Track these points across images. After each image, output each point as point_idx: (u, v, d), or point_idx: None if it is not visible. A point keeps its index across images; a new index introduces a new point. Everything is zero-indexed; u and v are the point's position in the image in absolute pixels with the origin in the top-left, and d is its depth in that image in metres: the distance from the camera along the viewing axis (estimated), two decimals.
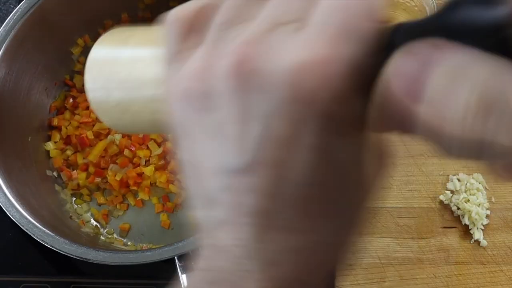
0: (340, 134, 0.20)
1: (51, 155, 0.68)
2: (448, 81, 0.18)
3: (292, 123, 0.20)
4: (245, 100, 0.20)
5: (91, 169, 0.67)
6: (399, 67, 0.19)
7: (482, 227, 0.63)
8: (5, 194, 0.56)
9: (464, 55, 0.18)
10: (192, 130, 0.23)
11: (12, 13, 0.61)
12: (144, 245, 0.65)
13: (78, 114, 0.70)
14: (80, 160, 0.68)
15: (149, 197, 0.67)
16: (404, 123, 0.19)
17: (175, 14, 0.25)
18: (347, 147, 0.21)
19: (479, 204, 0.64)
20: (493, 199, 0.65)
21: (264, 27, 0.21)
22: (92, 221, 0.67)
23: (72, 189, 0.68)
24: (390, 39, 0.20)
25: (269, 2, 0.22)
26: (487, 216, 0.64)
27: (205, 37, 0.23)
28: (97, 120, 0.69)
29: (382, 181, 0.24)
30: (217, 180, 0.22)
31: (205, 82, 0.22)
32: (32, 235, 0.54)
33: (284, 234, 0.22)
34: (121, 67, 0.28)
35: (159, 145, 0.68)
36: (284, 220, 0.22)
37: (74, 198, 0.68)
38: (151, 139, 0.68)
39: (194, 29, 0.24)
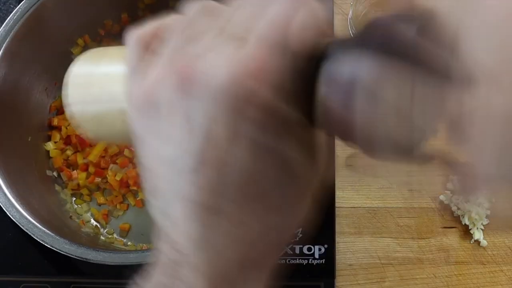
0: (272, 136, 0.23)
1: (51, 155, 0.68)
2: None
3: (227, 127, 0.23)
4: (186, 108, 0.23)
5: (91, 169, 0.67)
6: (328, 96, 0.23)
7: (482, 227, 0.63)
8: (5, 194, 0.56)
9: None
10: (146, 136, 0.26)
11: (12, 13, 0.61)
12: (144, 245, 0.65)
13: None
14: (80, 160, 0.68)
15: None
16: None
17: (134, 34, 0.28)
18: (279, 146, 0.24)
19: (479, 204, 0.64)
20: (493, 199, 0.65)
21: (206, 48, 0.24)
22: (92, 221, 0.67)
23: (72, 189, 0.68)
24: (323, 52, 0.23)
25: (216, 20, 0.25)
26: (487, 216, 0.64)
27: (158, 54, 0.26)
28: None
29: (324, 179, 0.27)
30: (167, 180, 0.25)
31: (154, 94, 0.25)
32: (32, 235, 0.54)
33: (227, 226, 0.24)
34: (95, 83, 0.32)
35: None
36: (228, 214, 0.24)
37: (74, 198, 0.68)
38: None
39: (150, 47, 0.27)
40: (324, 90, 0.23)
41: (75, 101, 0.33)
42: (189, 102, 0.23)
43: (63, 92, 0.33)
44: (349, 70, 0.22)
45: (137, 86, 0.26)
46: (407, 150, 0.22)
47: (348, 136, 0.23)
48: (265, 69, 0.22)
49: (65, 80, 0.33)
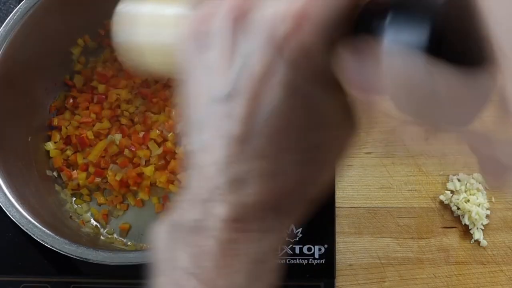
0: (305, 80, 0.24)
1: (51, 155, 0.68)
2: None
3: (266, 62, 0.24)
4: (234, 41, 0.25)
5: (91, 169, 0.67)
6: (346, 65, 0.24)
7: (482, 227, 0.63)
8: (5, 194, 0.56)
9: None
10: (193, 65, 0.27)
11: (12, 13, 0.61)
12: (144, 245, 0.65)
13: (78, 114, 0.70)
14: (80, 160, 0.68)
15: (149, 197, 0.67)
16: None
17: None
18: (311, 91, 0.25)
19: (479, 204, 0.64)
20: (493, 199, 0.65)
21: None
22: (92, 221, 0.67)
23: (72, 189, 0.68)
24: (360, 11, 0.24)
25: None
26: (487, 216, 0.64)
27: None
28: (97, 120, 0.69)
29: (354, 138, 0.28)
30: (205, 107, 0.26)
31: (207, 24, 0.26)
32: (32, 235, 0.54)
33: (253, 157, 0.25)
34: (144, 17, 0.35)
35: (159, 145, 0.68)
36: (255, 145, 0.25)
37: (74, 198, 0.68)
38: (151, 139, 0.68)
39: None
40: (346, 75, 0.24)
41: (122, 33, 0.37)
42: (239, 32, 0.25)
43: (112, 29, 0.37)
44: (408, 38, 0.22)
45: (192, 18, 0.27)
46: (461, 124, 0.23)
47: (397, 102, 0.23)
48: (309, 10, 0.23)
49: (115, 14, 0.37)
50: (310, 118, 0.25)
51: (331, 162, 0.28)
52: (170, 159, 0.67)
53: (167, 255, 0.28)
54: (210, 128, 0.26)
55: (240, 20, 0.25)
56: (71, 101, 0.71)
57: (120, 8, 0.37)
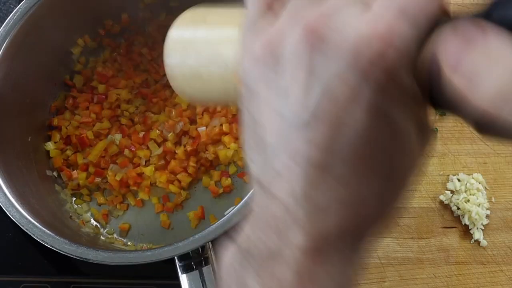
0: (392, 101, 0.23)
1: (51, 155, 0.68)
2: (483, 61, 0.21)
3: (350, 87, 0.23)
4: (311, 65, 0.24)
5: (91, 169, 0.67)
6: (444, 40, 0.22)
7: (482, 227, 0.63)
8: (5, 194, 0.56)
9: (503, 41, 0.21)
10: (259, 92, 0.26)
11: (12, 13, 0.61)
12: (144, 245, 0.65)
13: (78, 114, 0.70)
14: (80, 160, 0.68)
15: (149, 197, 0.67)
16: (441, 90, 0.23)
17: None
18: (396, 114, 0.24)
19: (479, 204, 0.64)
20: (493, 199, 0.65)
21: (334, 7, 0.24)
22: (92, 221, 0.67)
23: (72, 189, 0.68)
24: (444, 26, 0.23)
25: None
26: (487, 216, 0.64)
27: (281, 11, 0.26)
28: (97, 120, 0.69)
29: (426, 154, 0.27)
30: (279, 134, 0.25)
31: (277, 48, 0.25)
32: (32, 235, 0.54)
33: (334, 186, 0.24)
34: (199, 41, 0.33)
35: (159, 145, 0.68)
36: (335, 172, 0.24)
37: (74, 198, 0.68)
38: (151, 139, 0.68)
39: (272, 6, 0.27)
40: (439, 52, 0.23)
41: (174, 59, 0.34)
42: (315, 57, 0.23)
43: (164, 52, 0.34)
44: None
45: (256, 39, 0.26)
46: None
47: (469, 114, 0.22)
48: (394, 32, 0.22)
49: (167, 40, 0.34)
50: (393, 140, 0.24)
51: (408, 182, 0.27)
52: (170, 159, 0.67)
53: (235, 285, 0.27)
54: (285, 155, 0.25)
55: (317, 43, 0.23)
56: (71, 101, 0.71)
57: (174, 30, 0.35)
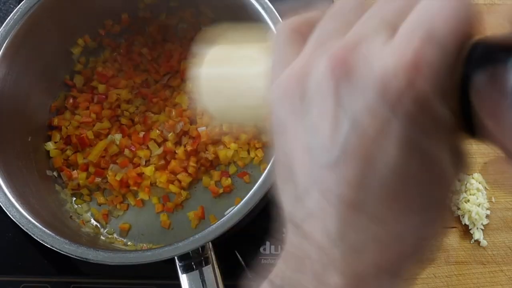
0: (424, 132, 0.22)
1: (51, 155, 0.68)
2: None
3: (379, 120, 0.22)
4: (338, 99, 0.23)
5: (91, 169, 0.67)
6: (483, 94, 0.22)
7: (482, 227, 0.63)
8: (5, 194, 0.56)
9: None
10: (288, 127, 0.25)
11: (12, 13, 0.61)
12: (144, 245, 0.65)
13: (78, 114, 0.70)
14: (80, 160, 0.68)
15: (149, 197, 0.67)
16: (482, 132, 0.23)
17: (284, 24, 0.28)
18: (430, 144, 0.23)
19: (479, 204, 0.64)
20: (493, 199, 0.65)
21: (359, 36, 0.24)
22: (92, 221, 0.67)
23: (72, 189, 0.68)
24: (469, 53, 0.22)
25: (364, 15, 0.25)
26: (487, 216, 0.64)
27: (307, 45, 0.26)
28: (97, 120, 0.69)
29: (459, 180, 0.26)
30: (310, 172, 0.24)
31: (303, 81, 0.24)
32: (32, 235, 0.54)
33: (369, 224, 0.23)
34: (228, 82, 0.33)
35: (159, 145, 0.68)
36: (370, 211, 0.23)
37: (74, 198, 0.68)
38: (151, 139, 0.68)
39: (298, 39, 0.27)
40: (487, 94, 0.22)
41: (208, 100, 0.34)
42: (343, 89, 0.23)
43: (195, 90, 0.34)
44: None
45: (282, 75, 0.25)
46: None
47: (503, 143, 0.22)
48: (423, 60, 0.22)
49: (195, 82, 0.34)
50: (428, 171, 0.23)
51: (444, 212, 0.26)
52: (170, 159, 0.67)
53: None
54: (317, 194, 0.24)
55: (343, 76, 0.23)
56: (71, 101, 0.71)
57: (203, 72, 0.35)
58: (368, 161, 0.23)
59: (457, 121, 0.23)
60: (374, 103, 0.22)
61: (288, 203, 0.26)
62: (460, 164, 0.25)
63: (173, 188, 0.66)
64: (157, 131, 0.68)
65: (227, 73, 0.33)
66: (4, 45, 0.60)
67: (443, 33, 0.22)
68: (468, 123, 0.23)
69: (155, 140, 0.68)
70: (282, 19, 0.28)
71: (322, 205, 0.24)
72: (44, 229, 0.54)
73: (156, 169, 0.67)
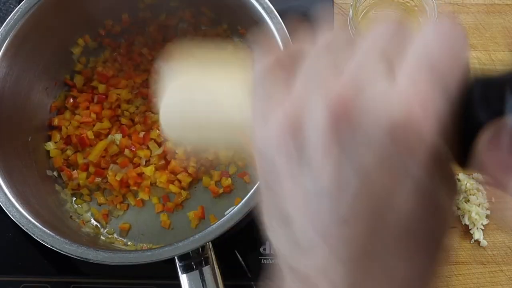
0: (433, 178, 0.21)
1: (51, 155, 0.68)
2: None
3: (391, 174, 0.20)
4: (342, 151, 0.21)
5: (91, 169, 0.67)
6: (489, 148, 0.21)
7: (482, 227, 0.63)
8: (5, 194, 0.56)
9: None
10: (282, 177, 0.23)
11: (12, 13, 0.61)
12: (144, 245, 0.65)
13: (78, 114, 0.70)
14: (80, 160, 0.68)
15: (149, 197, 0.67)
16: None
17: (263, 58, 0.25)
18: (441, 189, 0.22)
19: (479, 204, 0.64)
20: (493, 199, 0.65)
21: (357, 76, 0.21)
22: (92, 221, 0.67)
23: (72, 189, 0.68)
24: (469, 92, 0.21)
25: (356, 48, 0.22)
26: (487, 216, 0.64)
27: (293, 83, 0.23)
28: (97, 120, 0.69)
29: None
30: (311, 228, 0.22)
31: (299, 129, 0.22)
32: (32, 235, 0.54)
33: (379, 276, 0.22)
34: (198, 108, 0.30)
35: (159, 145, 0.68)
36: (379, 264, 0.22)
37: (74, 198, 0.68)
38: (151, 139, 0.68)
39: (282, 73, 0.24)
40: (486, 159, 0.21)
41: (172, 128, 0.32)
42: (346, 141, 0.20)
43: (160, 117, 0.31)
44: None
45: (270, 120, 0.23)
46: None
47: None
48: (433, 106, 0.20)
49: (160, 110, 0.32)
50: (435, 215, 0.22)
51: (444, 245, 0.25)
52: (170, 159, 0.67)
53: None
54: (324, 250, 0.22)
55: (346, 125, 0.20)
56: (71, 101, 0.71)
57: (165, 100, 0.31)
58: (380, 216, 0.21)
59: (452, 154, 0.22)
60: (383, 155, 0.20)
61: (283, 246, 0.25)
62: (453, 193, 0.24)
63: (173, 188, 0.66)
64: (157, 131, 0.68)
65: (197, 101, 0.30)
66: (4, 45, 0.60)
67: (447, 72, 0.21)
68: (462, 156, 0.22)
69: (155, 140, 0.68)
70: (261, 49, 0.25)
71: (330, 261, 0.22)
72: (44, 229, 0.54)
73: (156, 169, 0.67)
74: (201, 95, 0.30)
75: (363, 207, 0.21)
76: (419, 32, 0.22)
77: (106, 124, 0.69)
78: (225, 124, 0.29)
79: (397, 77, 0.21)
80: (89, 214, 0.67)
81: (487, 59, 0.69)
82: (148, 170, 0.66)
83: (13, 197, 0.56)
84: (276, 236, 0.25)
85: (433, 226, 0.23)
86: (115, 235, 0.66)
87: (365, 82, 0.21)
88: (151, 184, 0.67)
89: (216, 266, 0.53)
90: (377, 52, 0.22)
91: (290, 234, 0.24)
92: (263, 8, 0.58)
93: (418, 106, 0.20)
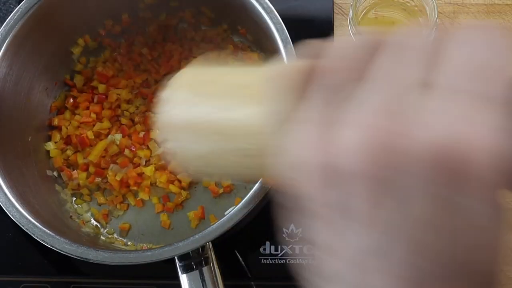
0: (483, 206, 0.19)
1: (51, 155, 0.68)
2: None
3: (437, 204, 0.18)
4: (379, 180, 0.19)
5: (91, 169, 0.67)
6: None
7: None
8: (5, 194, 0.56)
9: None
10: (314, 206, 0.21)
11: (12, 13, 0.61)
12: (144, 245, 0.65)
13: (79, 114, 0.70)
14: (80, 160, 0.68)
15: (149, 197, 0.67)
16: None
17: (280, 70, 0.23)
18: (489, 213, 0.20)
19: None
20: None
21: (387, 93, 0.19)
22: (92, 221, 0.67)
23: (72, 189, 0.68)
24: None
25: (381, 59, 0.20)
26: None
27: (316, 98, 0.21)
28: (97, 120, 0.69)
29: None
30: (342, 260, 0.21)
31: (330, 156, 0.20)
32: (32, 235, 0.54)
33: None
34: (205, 119, 0.26)
35: (159, 145, 0.68)
36: None
37: (74, 198, 0.68)
38: (152, 139, 0.68)
39: (304, 88, 0.22)
40: None
41: (176, 140, 0.28)
42: (381, 174, 0.19)
43: (159, 127, 0.28)
44: None
45: (296, 141, 0.21)
46: None
47: None
48: (479, 134, 0.18)
49: (161, 119, 0.28)
50: (480, 238, 0.20)
51: (496, 272, 0.24)
52: (170, 159, 0.67)
53: None
54: (352, 283, 0.21)
55: (382, 154, 0.18)
56: (71, 101, 0.71)
57: (169, 110, 0.28)
58: (417, 251, 0.20)
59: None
60: (428, 186, 0.18)
61: (322, 285, 0.23)
62: (498, 217, 0.21)
63: (173, 188, 0.66)
64: (157, 131, 0.68)
65: (202, 106, 0.26)
66: (4, 45, 0.60)
67: (495, 88, 0.18)
68: None
69: (155, 140, 0.68)
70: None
71: None
72: (44, 229, 0.54)
73: (156, 169, 0.67)
74: (215, 100, 0.27)
75: (402, 236, 0.19)
76: (454, 41, 0.20)
77: (106, 124, 0.69)
78: (243, 145, 0.26)
79: (434, 91, 0.19)
80: (89, 214, 0.67)
81: None
82: (148, 170, 0.66)
83: (13, 197, 0.56)
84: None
85: (471, 259, 0.21)
86: (115, 235, 0.66)
87: (396, 99, 0.19)
88: (151, 184, 0.67)
89: (216, 266, 0.53)
90: (405, 65, 0.20)
91: (326, 274, 0.22)
92: (263, 8, 0.58)
93: (463, 129, 0.18)
